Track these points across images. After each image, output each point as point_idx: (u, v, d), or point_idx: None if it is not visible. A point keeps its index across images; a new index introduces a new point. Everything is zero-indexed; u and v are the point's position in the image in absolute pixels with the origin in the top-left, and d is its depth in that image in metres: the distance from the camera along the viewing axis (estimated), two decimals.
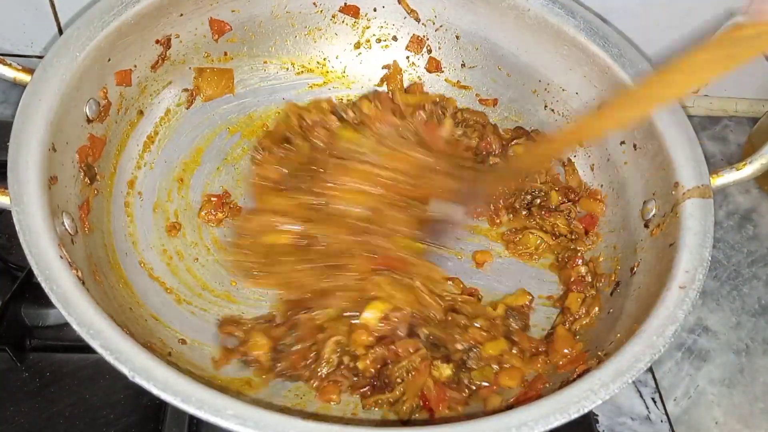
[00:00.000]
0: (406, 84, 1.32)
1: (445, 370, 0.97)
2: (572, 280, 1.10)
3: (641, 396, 1.14)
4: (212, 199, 1.15)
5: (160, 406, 0.98)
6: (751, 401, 1.18)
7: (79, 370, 1.02)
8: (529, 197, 1.20)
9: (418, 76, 1.32)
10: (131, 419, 0.99)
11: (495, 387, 0.98)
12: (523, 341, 1.03)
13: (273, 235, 1.06)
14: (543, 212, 1.18)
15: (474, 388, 0.97)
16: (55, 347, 1.04)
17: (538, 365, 1.00)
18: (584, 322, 1.05)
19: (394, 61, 1.31)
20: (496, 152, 1.23)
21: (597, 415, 1.10)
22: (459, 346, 1.00)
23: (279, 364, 0.95)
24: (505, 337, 1.03)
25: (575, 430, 0.76)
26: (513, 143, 1.24)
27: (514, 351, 1.01)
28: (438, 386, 0.95)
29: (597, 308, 1.05)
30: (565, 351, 1.00)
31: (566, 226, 1.17)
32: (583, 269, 1.11)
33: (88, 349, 0.73)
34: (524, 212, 1.19)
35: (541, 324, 1.09)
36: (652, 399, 1.13)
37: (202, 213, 1.13)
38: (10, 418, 0.97)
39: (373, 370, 0.97)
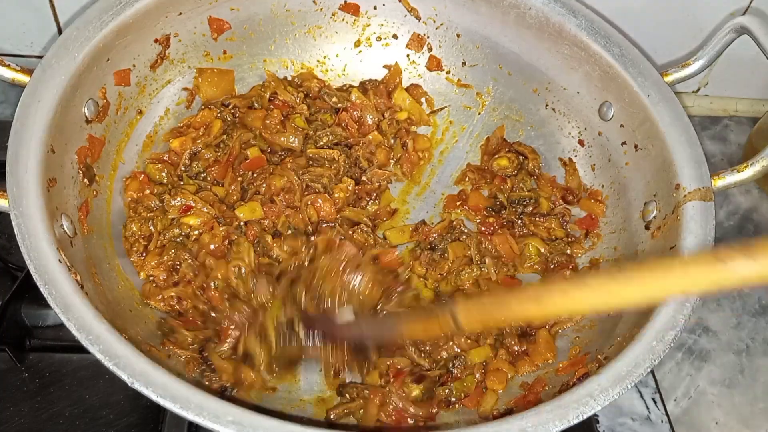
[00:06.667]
0: (406, 84, 1.31)
1: (414, 390, 0.95)
2: None
3: (641, 396, 1.14)
4: None
5: (160, 406, 0.98)
6: (751, 401, 1.18)
7: (79, 370, 1.03)
8: (519, 208, 1.19)
9: (419, 75, 1.32)
10: (131, 419, 0.99)
11: (474, 398, 0.97)
12: (513, 345, 1.03)
13: None
14: (536, 218, 1.17)
15: (452, 400, 0.97)
16: (54, 347, 1.04)
17: (525, 367, 1.00)
18: (566, 326, 1.05)
19: (396, 63, 1.30)
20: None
21: (597, 416, 1.10)
22: (444, 354, 1.01)
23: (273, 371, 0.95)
24: (495, 340, 1.03)
25: (575, 430, 0.76)
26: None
27: (501, 355, 1.01)
28: (397, 413, 0.94)
29: (579, 315, 1.05)
30: (548, 355, 1.01)
31: (561, 228, 1.16)
32: (568, 274, 1.10)
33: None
34: (518, 221, 1.17)
35: None
36: (653, 399, 1.13)
37: None
38: (10, 418, 0.97)
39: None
